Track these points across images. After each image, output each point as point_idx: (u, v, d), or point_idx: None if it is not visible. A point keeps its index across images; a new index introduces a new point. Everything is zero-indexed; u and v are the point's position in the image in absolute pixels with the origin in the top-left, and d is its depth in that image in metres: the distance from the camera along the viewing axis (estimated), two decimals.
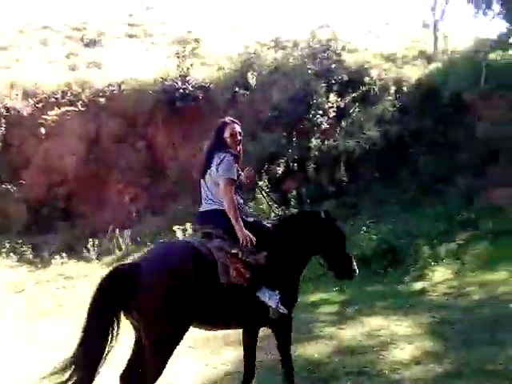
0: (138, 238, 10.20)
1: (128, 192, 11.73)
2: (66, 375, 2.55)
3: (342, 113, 11.25)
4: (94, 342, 2.61)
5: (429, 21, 15.15)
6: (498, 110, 10.62)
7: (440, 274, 7.46)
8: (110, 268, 2.89)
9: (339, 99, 11.30)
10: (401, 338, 5.00)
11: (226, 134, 3.34)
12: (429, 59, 13.05)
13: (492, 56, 11.27)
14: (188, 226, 9.39)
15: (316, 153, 10.72)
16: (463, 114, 10.97)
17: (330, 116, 11.19)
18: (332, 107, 11.20)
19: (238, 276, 2.93)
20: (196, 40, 13.83)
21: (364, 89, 11.46)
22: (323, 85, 11.34)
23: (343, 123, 11.17)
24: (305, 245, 3.40)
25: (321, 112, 11.13)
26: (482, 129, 10.53)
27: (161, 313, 2.63)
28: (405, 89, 11.70)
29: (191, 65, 12.41)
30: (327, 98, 11.24)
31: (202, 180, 3.34)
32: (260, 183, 10.09)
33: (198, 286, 2.74)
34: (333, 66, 11.93)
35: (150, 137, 12.45)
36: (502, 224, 8.65)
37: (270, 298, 3.01)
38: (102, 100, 12.18)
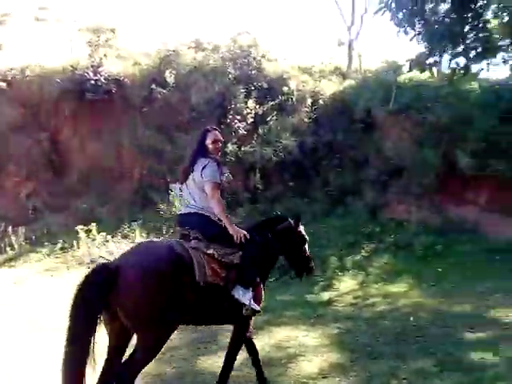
0: (34, 237, 9.36)
1: (25, 186, 10.75)
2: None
3: (259, 120, 11.29)
4: (78, 341, 2.66)
5: (345, 39, 15.82)
6: (404, 129, 11.31)
7: (346, 285, 7.69)
8: (90, 269, 2.90)
9: (258, 106, 11.34)
10: (308, 349, 4.98)
11: (209, 141, 3.47)
12: (343, 76, 13.57)
13: (402, 78, 11.97)
14: (93, 226, 8.81)
15: (232, 158, 10.62)
16: (373, 130, 11.56)
17: (248, 122, 11.18)
18: (250, 113, 11.20)
19: (213, 275, 3.07)
20: (111, 30, 13.06)
21: (282, 98, 11.60)
22: (242, 90, 11.30)
23: (260, 130, 11.22)
24: (275, 246, 3.68)
25: (239, 117, 11.07)
26: (389, 146, 11.15)
27: (142, 312, 2.73)
28: (321, 102, 12.04)
29: (104, 55, 11.74)
30: (246, 103, 11.21)
31: (183, 184, 3.49)
32: (173, 185, 9.90)
33: (176, 284, 2.85)
34: (253, 72, 11.96)
35: (54, 128, 11.57)
36: (402, 237, 9.21)
37: (243, 296, 3.17)
38: (2, 84, 11.07)
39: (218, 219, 3.31)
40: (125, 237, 9.20)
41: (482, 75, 14.35)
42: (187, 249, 3.05)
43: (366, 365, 4.41)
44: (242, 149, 10.72)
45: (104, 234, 8.97)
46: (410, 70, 9.05)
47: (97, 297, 2.69)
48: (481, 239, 9.21)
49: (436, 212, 10.23)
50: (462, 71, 8.47)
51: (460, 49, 8.53)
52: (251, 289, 3.25)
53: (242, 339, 3.59)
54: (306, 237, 4.01)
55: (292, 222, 3.90)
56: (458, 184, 10.69)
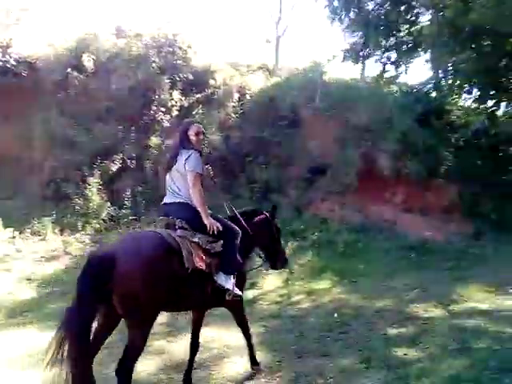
0: None
1: None
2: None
3: (185, 113, 10.87)
4: (78, 321, 2.74)
5: (272, 36, 15.90)
6: (328, 128, 11.51)
7: (271, 283, 7.58)
8: (88, 254, 3.15)
9: (183, 98, 10.94)
10: (233, 350, 4.78)
11: (191, 133, 3.59)
12: (270, 72, 13.58)
13: (327, 77, 12.18)
14: None
15: (155, 151, 10.14)
16: (298, 128, 11.64)
17: (173, 115, 10.74)
18: (175, 106, 10.78)
19: (200, 261, 3.25)
20: (23, 9, 11.98)
21: (209, 91, 11.32)
22: (167, 81, 10.85)
23: None
24: (252, 237, 3.88)
25: (163, 109, 10.61)
26: (313, 144, 11.29)
27: (137, 297, 2.86)
28: (247, 97, 11.91)
29: (15, 36, 10.68)
30: (171, 95, 10.77)
31: (167, 174, 3.58)
32: (91, 179, 9.23)
33: (170, 270, 3.04)
34: (178, 62, 11.50)
35: None
36: (325, 235, 9.33)
37: (226, 282, 3.42)
38: None
39: None
40: (34, 233, 8.41)
41: (402, 79, 15.22)
42: (174, 237, 3.20)
43: (292, 364, 4.30)
44: (166, 142, 10.27)
45: (11, 229, 8.19)
46: (344, 60, 9.19)
47: (91, 289, 2.79)
48: (398, 237, 9.60)
49: (357, 210, 10.51)
50: (392, 66, 8.72)
51: (392, 41, 8.81)
52: (233, 276, 3.48)
53: (243, 319, 3.99)
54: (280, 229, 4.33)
55: (268, 214, 4.22)
56: (377, 183, 11.07)
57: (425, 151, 11.74)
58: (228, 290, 3.42)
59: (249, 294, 7.10)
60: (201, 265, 3.24)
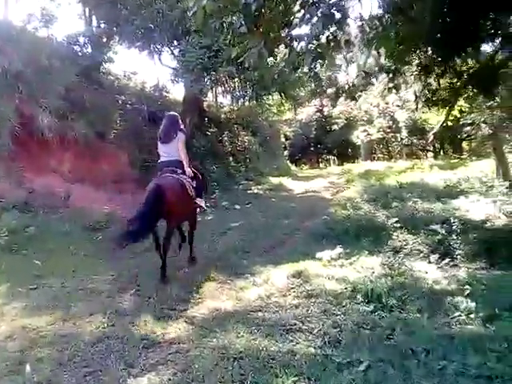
0: None
1: None
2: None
3: None
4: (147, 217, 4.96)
5: None
6: None
7: None
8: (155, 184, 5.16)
9: None
10: None
11: (179, 120, 5.97)
12: None
13: None
14: None
15: None
16: None
17: None
18: None
19: (191, 191, 5.58)
20: None
21: None
22: None
23: None
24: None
25: None
26: None
27: (174, 206, 5.12)
28: None
29: None
30: None
31: (163, 144, 5.68)
32: None
33: (183, 195, 5.40)
34: None
35: None
36: None
37: (201, 202, 6.00)
38: None
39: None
40: None
41: (60, 27, 12.85)
42: (179, 178, 5.48)
43: None
44: None
45: None
46: None
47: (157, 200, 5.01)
48: (77, 215, 7.79)
49: (17, 183, 8.02)
50: None
51: None
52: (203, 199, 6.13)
53: (195, 224, 6.19)
54: None
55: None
56: (40, 148, 8.85)
57: (93, 111, 10.20)
58: (201, 206, 6.10)
59: None
60: (190, 192, 5.57)
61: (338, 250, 5.53)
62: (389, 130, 25.54)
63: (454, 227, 6.11)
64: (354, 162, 29.15)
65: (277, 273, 5.19)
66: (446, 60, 6.73)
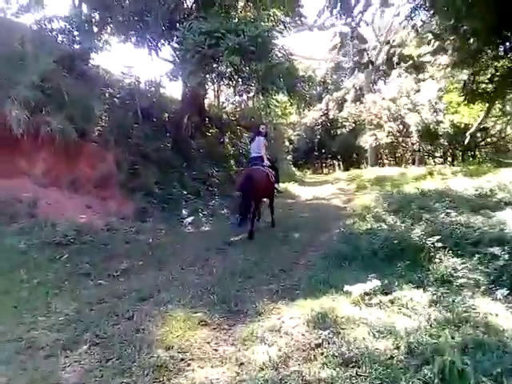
0: None
1: None
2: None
3: None
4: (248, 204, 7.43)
5: None
6: None
7: None
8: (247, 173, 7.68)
9: None
10: None
11: (261, 129, 8.45)
12: None
13: None
14: None
15: None
16: None
17: None
18: None
19: (271, 177, 7.99)
20: None
21: None
22: None
23: None
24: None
25: None
26: None
27: (261, 191, 7.66)
28: None
29: None
30: None
31: (253, 142, 8.27)
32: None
33: (267, 181, 7.82)
34: None
35: None
36: None
37: (278, 185, 8.80)
38: None
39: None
40: None
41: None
42: (264, 169, 7.78)
43: None
44: None
45: None
46: None
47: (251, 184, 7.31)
48: (41, 226, 6.37)
49: None
50: None
51: None
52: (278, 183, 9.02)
53: (273, 201, 8.56)
54: None
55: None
56: (8, 146, 7.49)
57: (73, 104, 8.82)
58: (277, 188, 8.70)
59: None
60: (271, 178, 7.97)
61: (374, 282, 4.09)
62: (398, 135, 24.13)
63: None
64: (359, 168, 27.80)
65: (291, 313, 3.80)
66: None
